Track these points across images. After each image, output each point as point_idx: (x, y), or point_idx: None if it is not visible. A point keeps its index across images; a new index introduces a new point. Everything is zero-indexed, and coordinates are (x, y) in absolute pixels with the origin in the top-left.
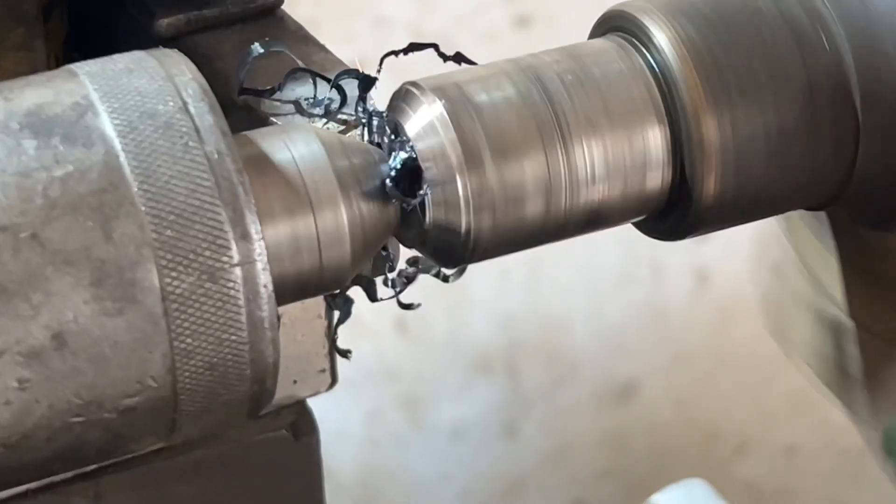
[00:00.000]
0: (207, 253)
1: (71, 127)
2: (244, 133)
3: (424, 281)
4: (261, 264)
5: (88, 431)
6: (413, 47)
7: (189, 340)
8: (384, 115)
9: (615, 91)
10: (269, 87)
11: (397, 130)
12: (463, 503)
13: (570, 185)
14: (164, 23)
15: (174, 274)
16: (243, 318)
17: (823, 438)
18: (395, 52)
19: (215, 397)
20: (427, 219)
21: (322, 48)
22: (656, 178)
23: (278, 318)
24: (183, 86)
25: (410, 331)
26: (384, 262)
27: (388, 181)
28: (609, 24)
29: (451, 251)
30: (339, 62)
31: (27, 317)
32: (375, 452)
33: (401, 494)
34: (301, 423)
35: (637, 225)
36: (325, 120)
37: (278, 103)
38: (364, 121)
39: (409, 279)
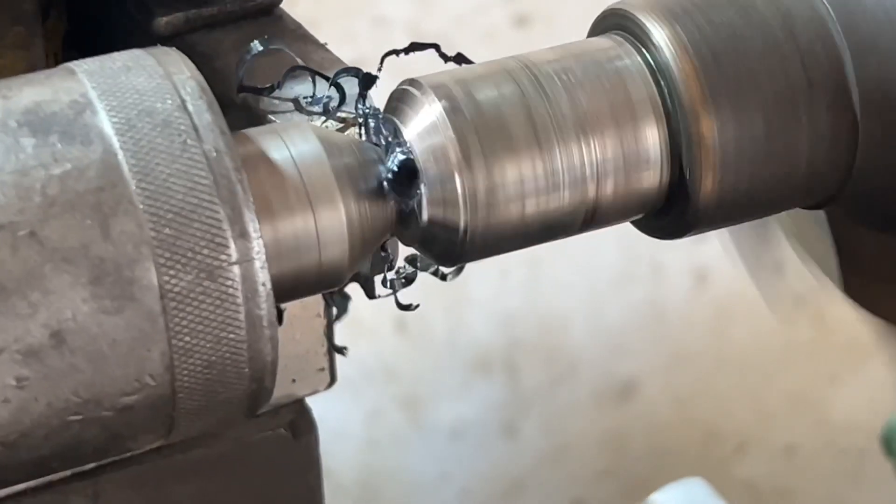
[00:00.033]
0: (206, 251)
1: (69, 125)
2: (243, 131)
3: (424, 280)
4: (259, 262)
5: (87, 430)
6: (414, 47)
7: (187, 338)
8: (382, 114)
9: (613, 89)
10: (267, 86)
11: (396, 130)
12: (462, 503)
13: (568, 184)
14: (162, 21)
15: (172, 272)
16: (241, 317)
17: (823, 438)
18: (397, 52)
19: (214, 395)
20: (425, 217)
21: (321, 46)
22: (654, 176)
23: (281, 314)
24: (181, 84)
25: (410, 330)
26: (383, 262)
27: (385, 182)
28: (608, 23)
29: (450, 249)
30: (338, 60)
31: (25, 315)
32: (375, 452)
33: (400, 494)
34: (300, 422)
35: (636, 223)
36: (323, 118)
37: (277, 101)
38: (362, 120)
39: (408, 280)
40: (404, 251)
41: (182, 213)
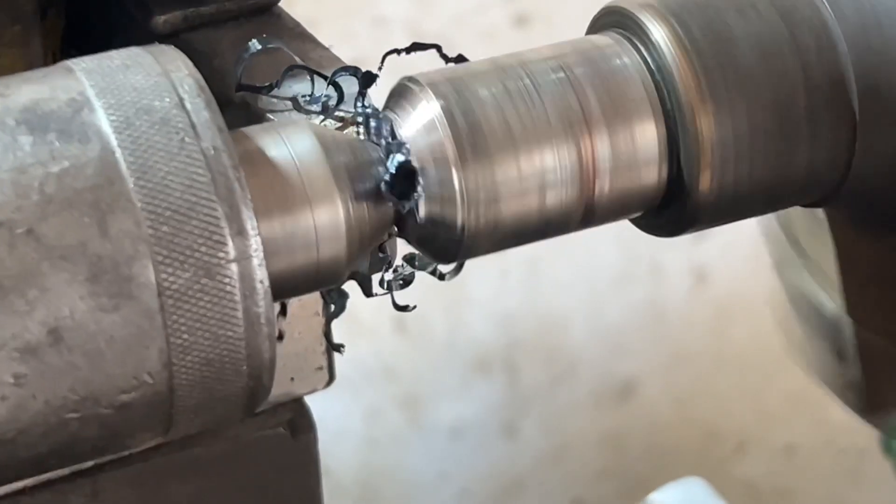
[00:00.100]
0: (204, 249)
1: (67, 123)
2: (241, 129)
3: (423, 280)
4: (257, 260)
5: (85, 427)
6: (415, 47)
7: (185, 336)
8: (381, 114)
9: (612, 87)
10: (266, 84)
11: (394, 128)
12: (462, 502)
13: (566, 181)
14: (161, 19)
15: (170, 270)
16: (239, 314)
17: (822, 438)
18: (398, 51)
19: (212, 393)
20: (423, 214)
21: (319, 45)
22: (653, 173)
23: (284, 307)
24: (179, 82)
25: (409, 330)
26: (381, 263)
27: (383, 185)
28: (606, 20)
29: (448, 247)
30: (337, 59)
31: (23, 312)
32: (374, 452)
33: (400, 494)
34: (298, 421)
35: (634, 221)
36: (322, 117)
37: (275, 100)
38: (361, 120)
39: (406, 281)
40: (402, 251)
41: (180, 211)
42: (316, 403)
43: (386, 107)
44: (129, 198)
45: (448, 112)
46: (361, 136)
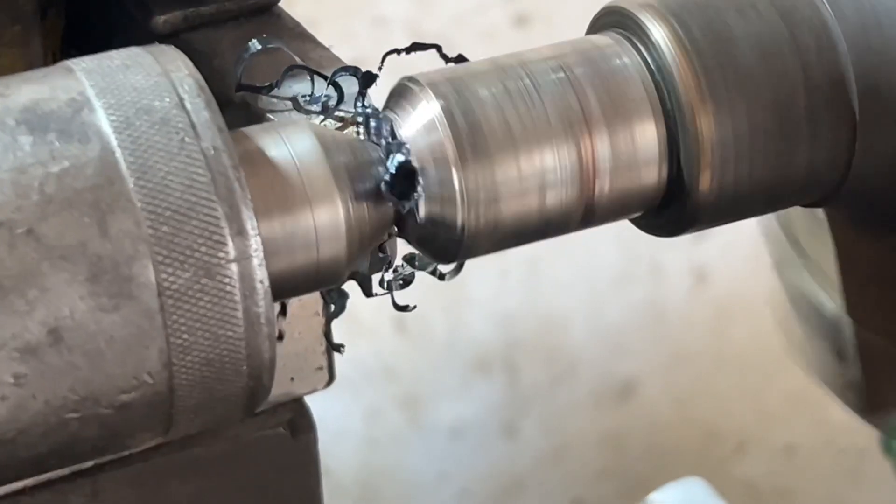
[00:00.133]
0: (204, 249)
1: (67, 123)
2: (241, 129)
3: (423, 280)
4: (257, 260)
5: (84, 427)
6: (415, 47)
7: (185, 336)
8: (381, 114)
9: (612, 87)
10: (266, 84)
11: (394, 128)
12: (462, 502)
13: (566, 181)
14: (161, 20)
15: (170, 270)
16: (239, 314)
17: (822, 438)
18: (398, 51)
19: (212, 393)
20: (423, 214)
21: (319, 45)
22: (653, 173)
23: (285, 307)
24: (179, 82)
25: (409, 330)
26: (381, 263)
27: (383, 185)
28: (606, 20)
29: (448, 246)
30: (337, 59)
31: (23, 312)
32: (374, 452)
33: (400, 494)
34: (298, 421)
35: (634, 221)
36: (322, 117)
37: (275, 100)
38: (361, 120)
39: (406, 281)
40: (403, 251)
41: (180, 211)
42: (316, 403)
43: (386, 107)
44: (129, 198)
45: (448, 112)
46: (361, 136)
